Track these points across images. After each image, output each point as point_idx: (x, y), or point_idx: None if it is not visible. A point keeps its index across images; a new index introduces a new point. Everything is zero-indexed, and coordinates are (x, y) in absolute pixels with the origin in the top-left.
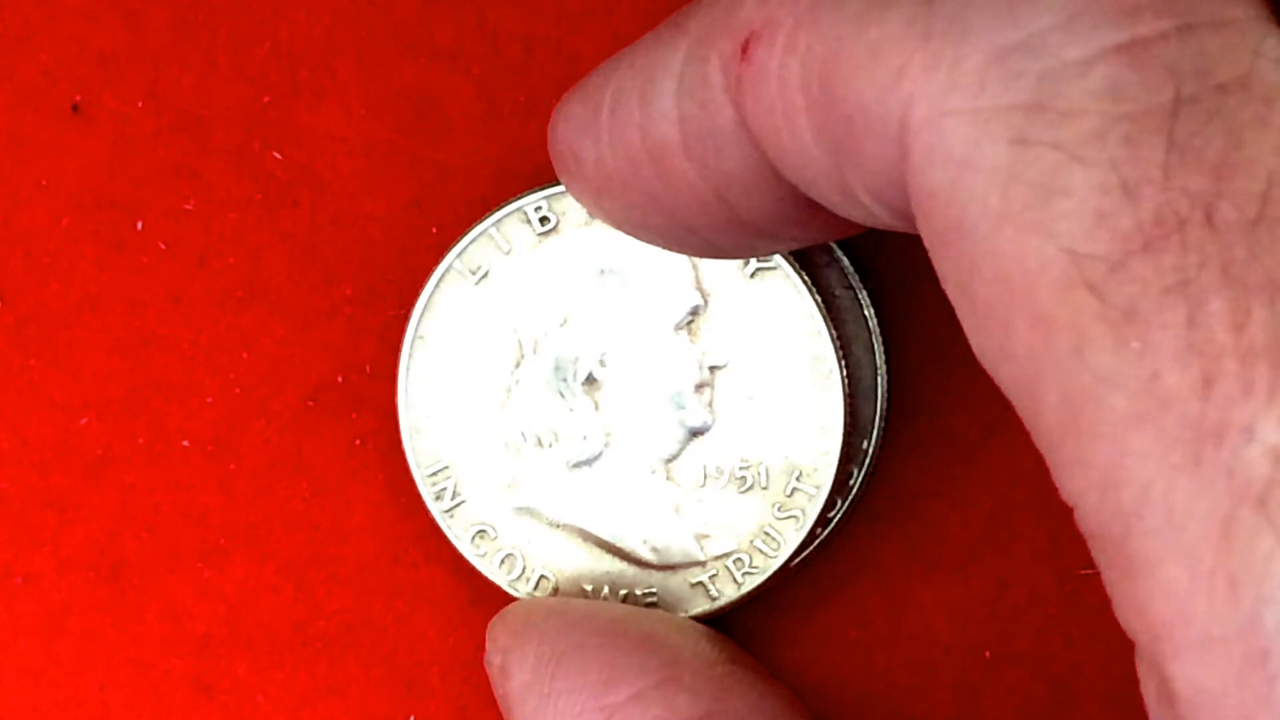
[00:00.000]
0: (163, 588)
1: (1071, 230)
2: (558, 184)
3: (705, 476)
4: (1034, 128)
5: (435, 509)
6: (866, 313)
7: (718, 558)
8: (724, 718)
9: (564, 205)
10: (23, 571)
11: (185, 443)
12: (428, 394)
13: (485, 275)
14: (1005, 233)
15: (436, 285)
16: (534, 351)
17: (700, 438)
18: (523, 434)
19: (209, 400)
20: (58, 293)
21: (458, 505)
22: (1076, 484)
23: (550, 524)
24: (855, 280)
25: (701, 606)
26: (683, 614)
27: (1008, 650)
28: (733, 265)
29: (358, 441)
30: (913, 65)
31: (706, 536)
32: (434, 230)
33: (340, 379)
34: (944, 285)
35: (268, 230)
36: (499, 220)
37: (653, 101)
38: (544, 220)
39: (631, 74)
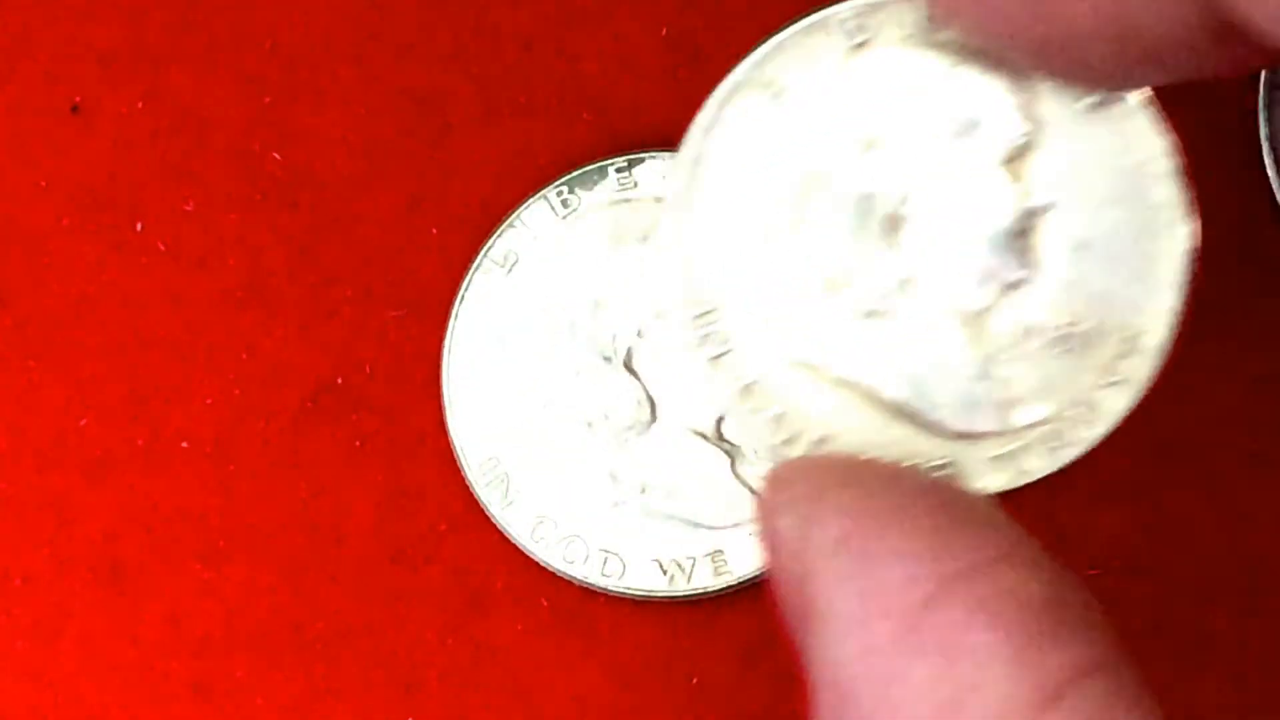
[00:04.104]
0: (162, 589)
1: None
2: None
3: (1021, 334)
4: None
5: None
6: None
7: (1027, 427)
8: (1070, 608)
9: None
10: (22, 572)
11: (184, 444)
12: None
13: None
14: None
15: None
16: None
17: (1017, 290)
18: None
19: (208, 401)
20: (57, 294)
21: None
22: None
23: (834, 381)
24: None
25: (1003, 483)
26: (982, 491)
27: None
28: (1070, 98)
29: (357, 443)
30: None
31: (1018, 402)
32: (434, 232)
33: (340, 380)
34: None
35: (267, 231)
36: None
37: None
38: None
39: None
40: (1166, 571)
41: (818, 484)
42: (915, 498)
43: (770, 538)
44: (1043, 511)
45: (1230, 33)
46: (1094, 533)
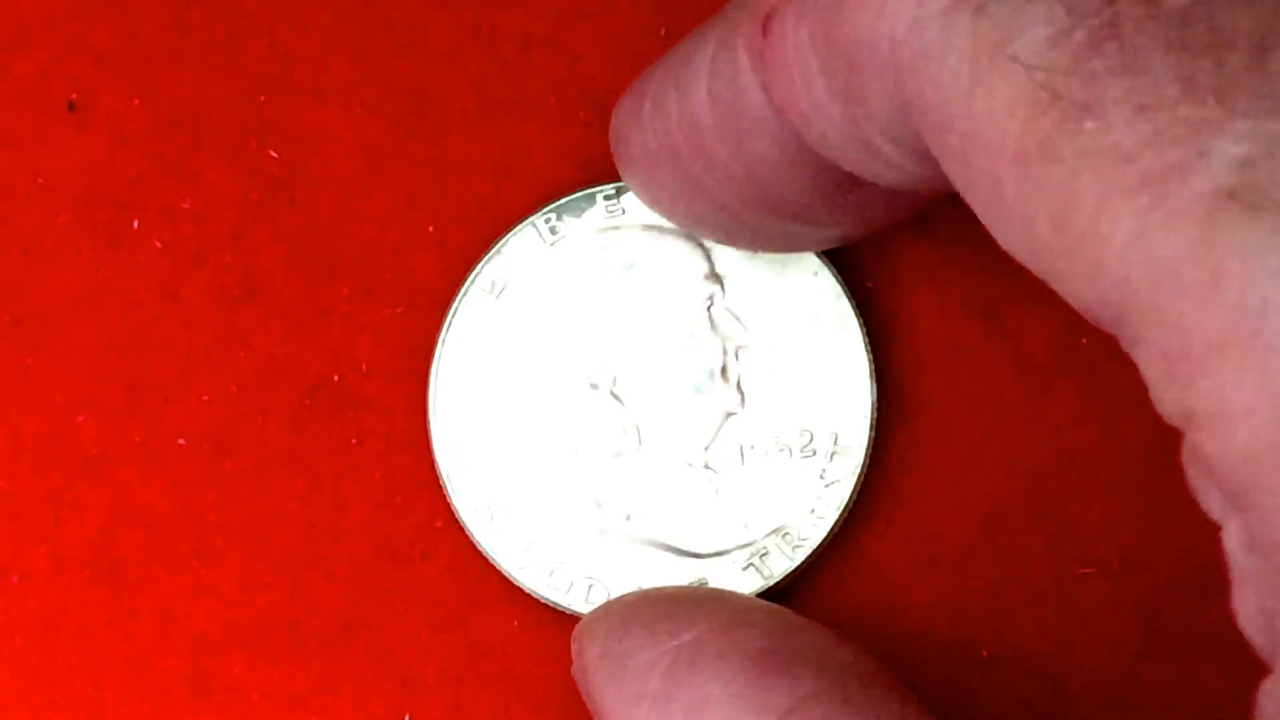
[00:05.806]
0: (158, 586)
1: (1030, 57)
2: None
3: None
4: None
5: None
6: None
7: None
8: (790, 653)
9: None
10: (18, 570)
11: (181, 441)
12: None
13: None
14: (978, 96)
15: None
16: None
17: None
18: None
19: (205, 399)
20: (54, 291)
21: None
22: (1074, 279)
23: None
24: (845, 291)
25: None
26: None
27: (1006, 650)
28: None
29: (354, 441)
30: None
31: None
32: (431, 230)
33: (337, 378)
34: (962, 194)
35: (264, 229)
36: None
37: (687, 88)
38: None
39: (671, 66)
40: (1164, 570)
41: (589, 621)
42: (665, 598)
43: (579, 685)
44: (1040, 511)
45: (846, 185)
46: (1091, 531)
